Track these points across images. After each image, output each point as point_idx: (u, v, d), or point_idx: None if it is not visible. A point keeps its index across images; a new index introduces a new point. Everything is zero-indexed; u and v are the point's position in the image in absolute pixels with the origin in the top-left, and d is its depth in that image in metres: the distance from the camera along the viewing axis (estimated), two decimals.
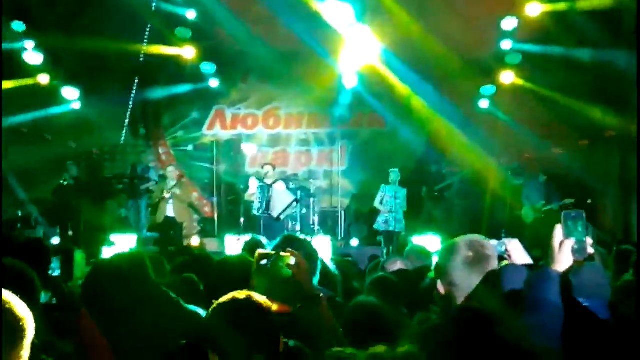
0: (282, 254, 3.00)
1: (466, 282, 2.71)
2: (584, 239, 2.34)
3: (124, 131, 15.56)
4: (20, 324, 1.74)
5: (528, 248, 3.11)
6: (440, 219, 14.05)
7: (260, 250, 3.12)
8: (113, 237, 10.85)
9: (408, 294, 4.29)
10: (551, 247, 2.44)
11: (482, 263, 2.73)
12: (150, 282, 3.57)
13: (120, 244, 10.39)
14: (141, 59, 14.63)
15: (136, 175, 13.89)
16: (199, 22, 14.27)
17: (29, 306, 2.69)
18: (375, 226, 12.48)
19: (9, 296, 1.76)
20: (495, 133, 14.31)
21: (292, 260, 2.96)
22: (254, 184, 12.42)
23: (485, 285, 2.70)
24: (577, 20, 12.65)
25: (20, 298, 2.66)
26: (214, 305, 2.46)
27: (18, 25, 13.18)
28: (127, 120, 15.56)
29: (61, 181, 13.14)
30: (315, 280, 3.73)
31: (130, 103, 15.34)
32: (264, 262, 2.99)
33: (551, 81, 13.55)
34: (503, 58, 14.04)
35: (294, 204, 12.29)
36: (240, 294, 2.46)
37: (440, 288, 2.79)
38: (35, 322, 2.73)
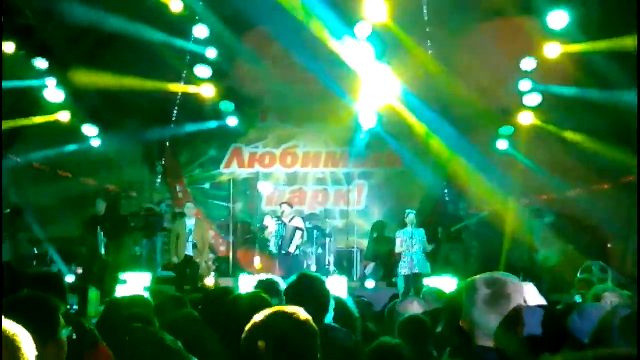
0: None
1: (485, 320, 2.66)
2: None
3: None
4: (19, 355, 1.71)
5: (547, 292, 3.06)
6: (457, 261, 13.89)
7: None
8: (127, 276, 10.80)
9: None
10: None
11: (500, 301, 2.67)
12: (153, 326, 3.54)
13: (134, 282, 10.35)
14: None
15: (150, 214, 13.89)
16: (218, 61, 14.38)
17: (49, 338, 2.66)
18: (398, 273, 12.22)
19: (12, 327, 1.73)
20: (514, 174, 14.21)
21: None
22: (269, 222, 12.39)
23: (505, 326, 2.64)
24: (596, 61, 12.61)
25: (41, 330, 2.63)
26: None
27: (40, 63, 13.36)
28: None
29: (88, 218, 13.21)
30: (329, 318, 3.69)
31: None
32: None
33: (570, 122, 13.48)
34: (522, 98, 13.98)
35: (298, 233, 12.14)
36: None
37: (464, 326, 2.74)
38: (54, 356, 2.69)
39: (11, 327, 1.74)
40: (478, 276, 2.79)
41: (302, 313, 2.56)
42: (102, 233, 13.02)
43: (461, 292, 2.84)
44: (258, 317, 2.56)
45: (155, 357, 3.22)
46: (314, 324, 2.56)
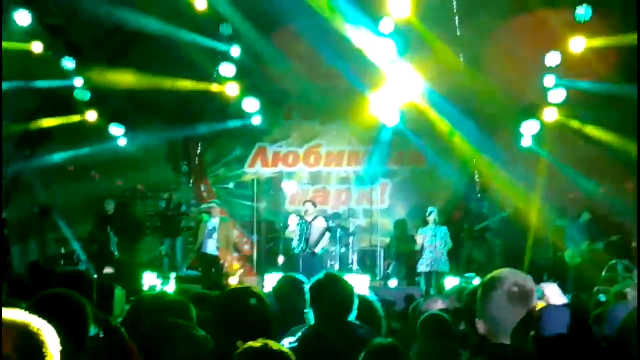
0: None
1: (508, 317, 2.62)
2: None
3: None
4: (43, 350, 1.75)
5: (573, 291, 3.06)
6: (480, 260, 13.85)
7: None
8: (151, 275, 10.91)
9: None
10: None
11: (525, 299, 2.65)
12: (188, 323, 3.58)
13: (158, 282, 10.46)
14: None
15: (169, 213, 14.00)
16: (243, 59, 14.42)
17: (77, 336, 2.72)
18: (417, 269, 12.25)
19: (36, 322, 1.76)
20: (538, 171, 14.08)
21: None
22: (293, 221, 12.45)
23: (525, 326, 2.62)
24: (621, 55, 12.43)
25: (71, 327, 2.69)
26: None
27: (68, 62, 13.51)
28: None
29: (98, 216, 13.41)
30: (352, 316, 3.73)
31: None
32: None
33: (595, 118, 13.32)
34: (546, 94, 13.81)
35: (327, 234, 12.25)
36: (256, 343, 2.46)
37: (480, 326, 2.70)
38: (83, 354, 2.75)
39: (35, 322, 1.76)
40: (500, 272, 2.74)
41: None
42: (112, 232, 13.20)
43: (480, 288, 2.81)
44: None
45: (184, 352, 3.26)
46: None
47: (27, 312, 1.78)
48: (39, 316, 1.87)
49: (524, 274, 2.74)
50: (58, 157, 14.21)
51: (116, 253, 13.22)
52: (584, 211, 12.92)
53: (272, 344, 2.46)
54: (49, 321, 1.94)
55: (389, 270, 13.75)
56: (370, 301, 4.40)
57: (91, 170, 14.90)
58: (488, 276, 2.76)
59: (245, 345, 2.46)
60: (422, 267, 11.96)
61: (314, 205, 12.81)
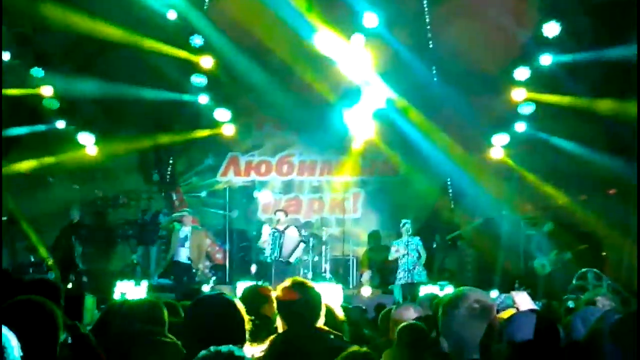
0: None
1: (473, 333, 2.66)
2: None
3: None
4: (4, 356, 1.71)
5: (543, 299, 3.12)
6: (453, 269, 13.94)
7: None
8: (123, 284, 10.81)
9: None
10: None
11: (486, 315, 2.70)
12: (158, 329, 3.55)
13: (130, 290, 10.35)
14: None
15: (146, 222, 13.92)
16: (214, 70, 14.42)
17: (47, 342, 2.67)
18: (395, 283, 12.30)
19: None
20: (509, 182, 14.27)
21: None
22: (266, 231, 12.44)
23: (488, 338, 2.66)
24: (589, 70, 12.70)
25: (41, 333, 2.65)
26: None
27: (37, 72, 13.43)
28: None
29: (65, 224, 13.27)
30: (321, 322, 3.75)
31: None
32: None
33: (564, 131, 13.55)
34: (516, 108, 14.03)
35: (302, 245, 12.32)
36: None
37: (444, 344, 2.74)
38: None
39: None
40: (460, 291, 2.81)
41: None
42: (77, 241, 13.06)
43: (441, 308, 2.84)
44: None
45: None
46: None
47: None
48: (10, 323, 1.83)
49: (482, 292, 2.80)
50: (27, 165, 14.05)
51: (79, 264, 13.08)
52: (547, 221, 13.09)
53: (237, 351, 2.43)
54: (20, 328, 1.91)
55: (363, 279, 13.78)
56: (331, 308, 4.42)
57: (59, 178, 14.69)
58: (448, 295, 2.80)
59: (212, 349, 2.43)
60: (398, 279, 12.03)
61: (286, 214, 12.84)
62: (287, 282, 3.89)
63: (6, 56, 12.88)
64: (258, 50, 14.06)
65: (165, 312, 3.82)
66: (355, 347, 3.53)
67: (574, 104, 13.11)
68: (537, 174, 13.94)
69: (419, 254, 12.07)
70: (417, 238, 12.23)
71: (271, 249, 12.10)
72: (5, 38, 12.82)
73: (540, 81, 13.56)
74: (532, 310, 2.86)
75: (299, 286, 3.83)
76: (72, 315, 4.27)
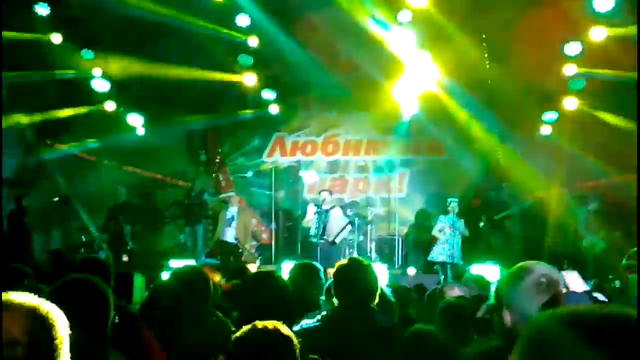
0: None
1: (535, 308, 2.60)
2: None
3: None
4: (52, 333, 1.71)
5: (594, 279, 3.04)
6: (499, 249, 13.78)
7: None
8: (171, 263, 10.99)
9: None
10: None
11: (551, 290, 2.63)
12: (204, 301, 3.61)
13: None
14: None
15: (193, 202, 14.07)
16: (260, 50, 14.45)
17: (98, 321, 2.74)
18: (429, 257, 12.34)
19: (46, 305, 1.73)
20: (558, 160, 13.98)
21: None
22: (311, 210, 12.50)
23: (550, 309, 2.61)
24: None
25: (93, 312, 2.72)
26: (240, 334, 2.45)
27: (87, 54, 13.65)
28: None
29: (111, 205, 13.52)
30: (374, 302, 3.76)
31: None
32: None
33: (615, 107, 13.21)
34: (566, 84, 13.73)
35: (349, 227, 12.32)
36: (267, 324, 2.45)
37: (507, 317, 2.68)
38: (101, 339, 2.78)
39: (44, 305, 1.70)
40: (527, 263, 2.74)
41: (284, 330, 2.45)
42: (124, 221, 13.29)
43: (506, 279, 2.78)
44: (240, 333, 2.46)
45: (199, 338, 3.31)
46: (294, 342, 2.45)
47: (49, 297, 1.75)
48: (64, 301, 1.84)
49: (549, 266, 2.73)
50: (77, 146, 14.35)
51: (129, 242, 13.33)
52: (595, 200, 12.83)
53: (282, 328, 2.44)
54: (73, 306, 1.93)
55: (408, 259, 13.76)
56: (382, 289, 4.41)
57: (109, 159, 14.96)
58: (514, 267, 2.74)
59: (258, 324, 2.43)
60: (441, 256, 12.01)
61: (330, 194, 12.89)
62: (345, 261, 3.88)
63: (57, 38, 13.12)
64: (303, 30, 14.02)
65: (211, 283, 3.87)
66: (420, 325, 3.55)
67: (626, 78, 12.74)
68: (587, 151, 13.63)
69: (462, 235, 12.04)
70: (462, 221, 12.19)
71: (315, 228, 12.15)
72: (56, 20, 13.06)
73: (592, 56, 13.20)
74: (584, 292, 2.81)
75: (358, 264, 3.81)
76: (121, 294, 4.38)
